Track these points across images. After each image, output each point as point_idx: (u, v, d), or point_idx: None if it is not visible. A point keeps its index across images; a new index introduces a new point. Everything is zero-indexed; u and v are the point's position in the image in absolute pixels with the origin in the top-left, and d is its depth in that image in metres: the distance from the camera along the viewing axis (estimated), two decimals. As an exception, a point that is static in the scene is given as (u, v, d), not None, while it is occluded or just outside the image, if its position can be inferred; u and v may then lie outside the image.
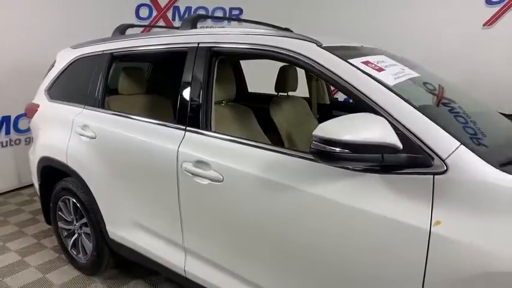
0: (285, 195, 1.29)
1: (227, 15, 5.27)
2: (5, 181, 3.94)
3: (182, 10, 5.23)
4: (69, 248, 2.48)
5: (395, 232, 1.07)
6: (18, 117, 3.88)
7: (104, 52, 2.21)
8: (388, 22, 4.31)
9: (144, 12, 5.07)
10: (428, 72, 1.80)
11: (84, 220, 2.30)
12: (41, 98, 2.62)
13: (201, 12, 5.27)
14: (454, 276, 0.98)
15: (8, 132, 3.90)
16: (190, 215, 1.63)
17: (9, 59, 3.65)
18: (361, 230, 1.14)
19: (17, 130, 3.95)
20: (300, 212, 1.26)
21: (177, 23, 5.13)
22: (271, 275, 1.42)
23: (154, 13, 5.12)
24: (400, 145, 1.05)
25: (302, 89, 2.80)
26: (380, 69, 1.36)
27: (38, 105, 2.61)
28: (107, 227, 2.11)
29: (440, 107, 1.44)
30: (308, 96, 2.87)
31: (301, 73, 2.56)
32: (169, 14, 5.18)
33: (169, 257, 1.79)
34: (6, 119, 3.86)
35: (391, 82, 1.26)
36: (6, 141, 3.90)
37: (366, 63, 1.36)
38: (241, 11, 5.28)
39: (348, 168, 1.15)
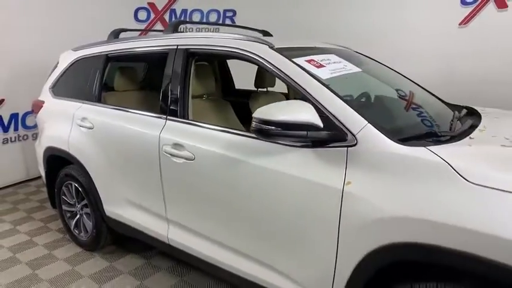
0: (241, 168, 1.60)
1: (221, 17, 5.57)
2: (14, 173, 4.28)
3: (178, 13, 5.53)
4: (72, 228, 2.81)
5: (321, 192, 1.37)
6: (25, 114, 4.20)
7: (100, 54, 2.53)
8: (371, 23, 4.57)
9: (142, 15, 5.38)
10: (375, 69, 2.10)
11: (85, 202, 2.63)
12: (45, 95, 2.95)
13: (197, 14, 5.59)
14: (358, 221, 1.28)
15: (16, 129, 4.23)
16: (170, 190, 1.95)
17: (16, 61, 3.97)
18: (297, 192, 1.44)
19: (25, 126, 4.28)
20: (252, 181, 1.57)
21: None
22: (234, 235, 1.73)
23: (152, 16, 5.43)
24: (320, 124, 1.35)
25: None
26: (320, 66, 1.66)
27: (43, 102, 2.94)
28: (104, 206, 2.44)
29: (363, 94, 1.73)
30: (286, 91, 3.16)
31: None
32: (167, 17, 5.49)
33: (155, 228, 2.11)
34: (15, 116, 4.19)
35: (325, 76, 1.57)
36: (15, 137, 4.23)
37: (309, 61, 1.66)
38: (234, 12, 5.57)
39: (284, 144, 1.45)
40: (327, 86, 1.47)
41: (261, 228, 1.60)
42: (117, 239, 2.73)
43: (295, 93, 3.13)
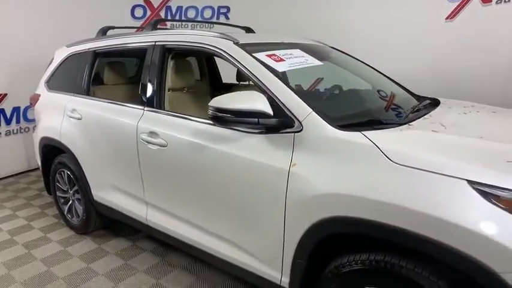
0: (206, 152, 1.77)
1: (215, 14, 5.72)
2: (16, 164, 4.50)
3: (174, 9, 5.69)
4: (65, 213, 3.01)
5: (271, 172, 1.53)
6: (26, 108, 4.41)
7: (89, 50, 2.71)
8: (360, 20, 4.68)
9: (139, 12, 5.55)
10: (342, 62, 2.24)
11: (76, 188, 2.82)
12: (41, 89, 3.14)
13: (192, 11, 5.74)
14: (301, 198, 1.43)
15: (18, 121, 4.45)
16: (147, 175, 2.13)
17: (17, 57, 4.17)
18: (252, 173, 1.60)
19: (26, 119, 4.49)
20: (215, 164, 1.74)
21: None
22: (201, 214, 1.90)
23: (149, 13, 5.60)
24: (270, 112, 1.51)
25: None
26: (280, 60, 1.81)
27: (39, 95, 3.13)
28: (92, 191, 2.62)
29: (315, 85, 1.88)
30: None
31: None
32: (162, 14, 5.65)
33: (135, 210, 2.30)
34: (17, 109, 4.41)
35: (281, 69, 1.72)
36: (17, 129, 4.46)
37: (270, 55, 1.81)
38: (228, 9, 5.71)
39: (242, 131, 1.61)
40: (280, 78, 1.62)
41: (222, 207, 1.77)
42: (107, 224, 2.92)
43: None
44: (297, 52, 2.00)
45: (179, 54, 2.20)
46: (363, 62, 2.53)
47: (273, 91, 1.58)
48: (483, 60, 4.09)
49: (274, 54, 1.84)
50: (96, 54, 2.66)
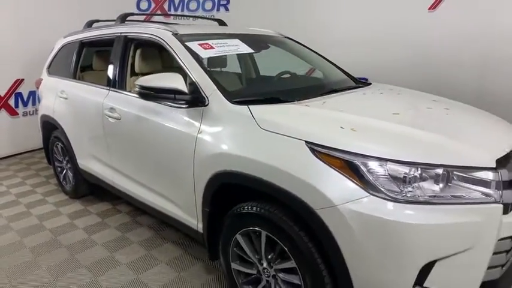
0: (146, 123, 2.17)
1: (216, 5, 6.08)
2: (33, 141, 5.09)
3: (177, 2, 6.10)
4: (61, 180, 3.54)
5: (185, 138, 1.90)
6: (41, 92, 5.01)
7: (77, 40, 3.17)
8: (346, 12, 4.85)
9: (144, 5, 6.00)
10: (286, 50, 2.60)
11: (67, 158, 3.32)
12: (44, 74, 3.66)
13: (193, 3, 6.13)
14: (203, 157, 1.80)
15: (34, 103, 5.06)
16: (111, 144, 2.56)
17: (33, 47, 4.73)
18: (174, 139, 1.98)
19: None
20: (151, 132, 2.14)
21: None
22: (144, 175, 2.31)
23: (153, 5, 6.04)
24: (185, 89, 1.87)
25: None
26: (210, 48, 2.16)
27: (42, 79, 3.66)
28: (77, 161, 3.11)
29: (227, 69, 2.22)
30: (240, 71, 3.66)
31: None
32: (166, 6, 6.08)
33: (106, 174, 2.75)
34: (32, 93, 5.00)
35: (206, 55, 2.07)
36: (33, 111, 5.06)
37: (201, 44, 2.17)
38: (228, 0, 6.05)
39: (170, 105, 1.98)
40: (199, 62, 1.98)
41: (158, 167, 2.17)
42: (93, 190, 3.41)
43: (247, 72, 3.67)
44: (233, 41, 2.34)
45: (140, 43, 2.59)
46: (313, 51, 2.83)
47: (191, 72, 1.95)
48: (464, 50, 4.20)
49: (207, 43, 2.19)
50: (82, 44, 3.12)
